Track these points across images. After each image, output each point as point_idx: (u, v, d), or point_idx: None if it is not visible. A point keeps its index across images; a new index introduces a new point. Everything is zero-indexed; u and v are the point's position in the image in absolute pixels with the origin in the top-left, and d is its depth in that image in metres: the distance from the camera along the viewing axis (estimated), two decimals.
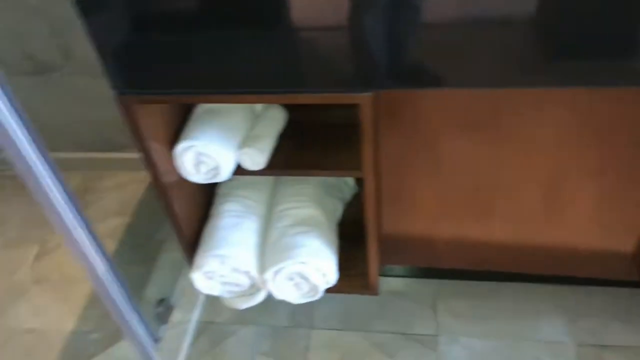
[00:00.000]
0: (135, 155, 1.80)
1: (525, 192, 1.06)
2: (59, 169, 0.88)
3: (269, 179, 1.28)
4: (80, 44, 1.56)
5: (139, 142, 0.92)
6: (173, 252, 1.56)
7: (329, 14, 0.76)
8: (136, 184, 1.81)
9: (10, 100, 0.80)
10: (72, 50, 1.58)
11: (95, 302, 1.47)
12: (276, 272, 1.08)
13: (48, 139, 0.87)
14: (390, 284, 1.40)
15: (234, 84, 0.86)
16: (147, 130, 0.92)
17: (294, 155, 1.09)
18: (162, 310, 1.38)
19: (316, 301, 1.37)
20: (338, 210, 1.27)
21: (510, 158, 1.00)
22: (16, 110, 0.80)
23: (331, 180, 1.28)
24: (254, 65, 0.84)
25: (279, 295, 1.12)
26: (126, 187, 1.81)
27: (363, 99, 0.82)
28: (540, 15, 0.74)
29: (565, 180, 1.02)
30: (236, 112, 1.09)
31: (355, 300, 1.38)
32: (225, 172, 1.03)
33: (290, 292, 1.12)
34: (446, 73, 0.82)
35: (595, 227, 1.09)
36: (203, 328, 1.38)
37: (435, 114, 0.95)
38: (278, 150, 1.09)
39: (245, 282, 1.12)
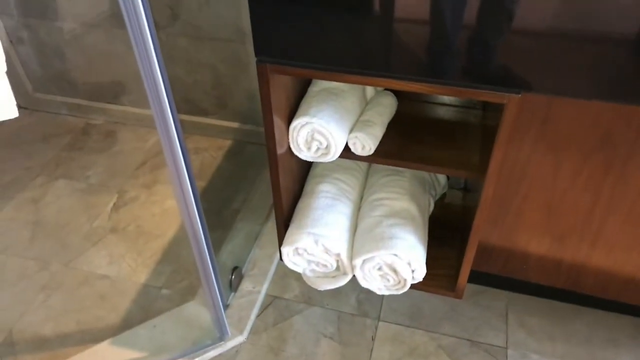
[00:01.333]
0: (217, 121, 1.86)
1: (636, 221, 1.02)
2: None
3: (363, 166, 1.27)
4: (187, 6, 1.59)
5: (267, 111, 0.93)
6: (248, 222, 1.58)
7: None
8: (214, 150, 1.84)
9: (157, 52, 0.82)
10: (179, 11, 1.60)
11: (168, 259, 1.51)
12: (366, 260, 1.08)
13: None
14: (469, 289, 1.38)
15: (371, 65, 0.85)
16: (275, 100, 0.92)
17: (401, 145, 1.08)
18: (234, 278, 1.40)
19: (385, 295, 1.38)
20: (430, 206, 1.26)
21: (630, 183, 0.97)
22: (162, 68, 0.82)
23: (425, 176, 1.27)
24: (394, 48, 0.83)
25: (365, 283, 1.12)
26: (205, 152, 1.84)
27: (511, 99, 0.80)
28: None
29: None
30: (351, 95, 1.09)
31: (425, 299, 1.37)
32: (335, 153, 1.03)
33: (377, 282, 1.11)
34: (584, 83, 0.79)
35: None
36: (270, 301, 1.39)
37: (565, 127, 0.92)
38: (385, 138, 1.09)
39: (332, 264, 1.13)
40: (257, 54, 0.89)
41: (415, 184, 1.22)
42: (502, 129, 0.83)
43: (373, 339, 1.30)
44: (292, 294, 1.41)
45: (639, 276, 1.10)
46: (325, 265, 1.14)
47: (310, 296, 1.39)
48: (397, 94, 1.17)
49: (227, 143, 1.88)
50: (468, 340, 1.29)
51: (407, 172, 1.23)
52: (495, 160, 0.88)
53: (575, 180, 0.98)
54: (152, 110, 0.87)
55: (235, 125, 1.85)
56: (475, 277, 1.39)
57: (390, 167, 1.23)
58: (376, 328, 1.33)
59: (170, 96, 0.88)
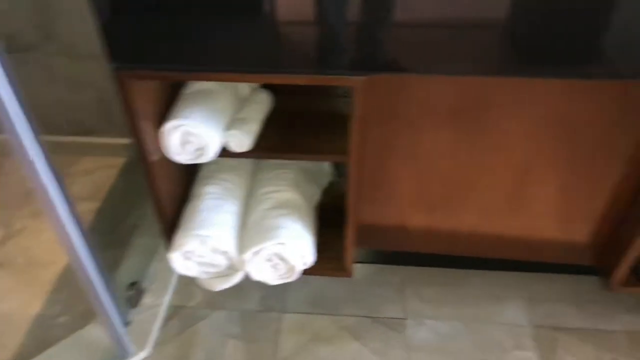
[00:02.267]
0: (106, 140, 1.81)
1: (496, 183, 1.13)
2: None
3: (248, 164, 1.30)
4: (61, 25, 1.54)
5: (131, 118, 0.93)
6: (146, 236, 1.55)
7: None
8: (107, 169, 1.79)
9: (9, 77, 0.79)
10: (53, 30, 1.55)
11: (62, 286, 1.45)
12: (255, 253, 1.11)
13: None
14: (361, 269, 1.45)
15: (226, 62, 0.88)
16: (138, 107, 0.93)
17: (279, 139, 1.12)
18: (133, 293, 1.38)
19: (288, 286, 1.41)
20: (316, 195, 1.31)
21: (485, 150, 1.07)
22: (14, 89, 0.80)
23: (310, 166, 1.31)
24: (248, 44, 0.87)
25: (257, 276, 1.15)
26: (97, 172, 1.78)
27: (357, 82, 0.86)
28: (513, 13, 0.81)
29: (532, 172, 1.10)
30: (224, 95, 1.11)
31: (326, 285, 1.42)
32: (210, 153, 1.05)
33: (268, 273, 1.14)
34: (431, 60, 0.87)
35: (555, 217, 1.18)
36: (174, 312, 1.38)
37: (418, 104, 1.00)
38: (263, 134, 1.12)
39: (223, 262, 1.14)
40: (111, 61, 0.89)
41: (300, 175, 1.26)
42: (355, 111, 0.89)
43: (277, 332, 1.33)
44: (196, 302, 1.40)
45: (509, 234, 1.21)
46: (215, 265, 1.15)
47: (213, 301, 1.40)
48: (276, 90, 1.21)
49: (120, 160, 1.83)
50: (369, 317, 1.35)
51: (293, 165, 1.27)
52: (354, 143, 0.93)
53: (434, 150, 1.07)
54: (7, 135, 0.83)
55: (125, 141, 1.81)
56: (371, 256, 1.46)
57: (277, 161, 1.27)
58: (281, 320, 1.35)
59: (30, 119, 0.85)
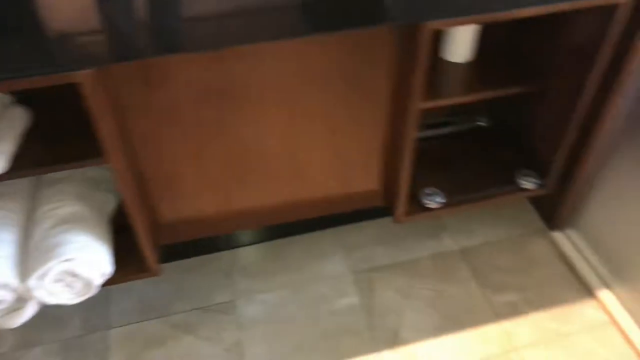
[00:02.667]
0: None
1: (272, 149, 1.16)
2: None
3: (25, 186, 1.20)
4: None
5: None
6: None
7: None
8: None
9: None
10: None
11: None
12: (42, 276, 1.03)
13: None
14: (183, 265, 1.43)
15: None
16: None
17: (42, 153, 1.04)
18: None
19: (111, 299, 1.36)
20: (110, 202, 1.25)
21: (251, 119, 1.09)
22: None
23: (95, 173, 1.25)
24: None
25: (52, 300, 1.07)
26: None
27: (83, 76, 0.82)
28: None
29: (302, 131, 1.15)
30: None
31: (151, 289, 1.38)
32: None
33: (63, 294, 1.07)
34: (177, 39, 0.86)
35: (337, 173, 1.25)
36: None
37: (176, 88, 0.99)
38: (24, 151, 1.03)
39: (8, 297, 1.05)
40: None
41: (83, 185, 1.19)
42: (91, 108, 0.85)
43: (106, 350, 1.27)
44: (8, 346, 1.28)
45: (301, 197, 1.27)
46: (1, 302, 1.05)
47: (28, 339, 1.29)
48: (31, 104, 1.11)
49: None
50: (199, 309, 1.35)
51: (77, 175, 1.20)
52: (107, 141, 0.90)
53: (207, 134, 1.07)
54: None
55: None
56: (192, 249, 1.44)
57: (59, 174, 1.19)
58: (107, 338, 1.29)
59: None
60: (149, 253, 1.12)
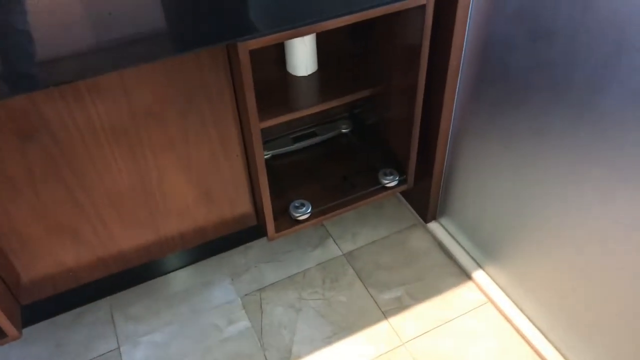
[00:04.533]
0: None
1: (123, 190, 1.12)
2: None
3: None
4: None
5: None
6: None
7: None
8: None
9: None
10: None
11: None
12: None
13: None
14: (57, 321, 1.34)
15: None
16: None
17: None
18: None
19: None
20: None
21: (88, 162, 1.05)
22: None
23: None
24: None
25: None
26: None
27: None
28: None
29: (153, 167, 1.12)
30: None
31: (25, 354, 1.28)
32: None
33: None
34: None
35: (203, 197, 1.23)
36: None
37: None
38: None
39: None
40: None
41: None
42: None
43: None
44: None
45: (173, 229, 1.24)
46: None
47: None
48: None
49: None
50: (83, 359, 1.27)
51: None
52: None
53: (26, 180, 1.00)
54: None
55: None
56: (63, 302, 1.36)
57: None
58: None
59: None
60: (2, 318, 1.04)
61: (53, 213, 1.07)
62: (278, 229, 1.25)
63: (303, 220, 1.28)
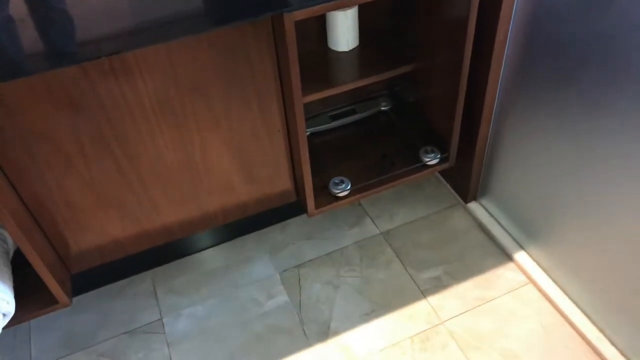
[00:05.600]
0: None
1: (170, 163, 1.14)
2: None
3: None
4: None
5: None
6: None
7: None
8: None
9: None
10: None
11: None
12: None
13: None
14: (103, 292, 1.39)
15: None
16: None
17: None
18: None
19: (32, 339, 1.31)
20: (7, 238, 1.20)
21: (138, 136, 1.07)
22: None
23: None
24: None
25: None
26: None
27: None
28: None
29: (198, 140, 1.14)
30: None
31: (73, 322, 1.33)
32: None
33: None
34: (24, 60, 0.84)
35: (245, 171, 1.25)
36: None
37: (34, 107, 0.95)
38: None
39: None
40: None
41: None
42: None
43: None
44: None
45: (210, 203, 1.26)
46: None
47: None
48: None
49: None
50: (126, 333, 1.31)
51: None
52: None
53: (81, 152, 1.04)
54: None
55: None
56: (108, 274, 1.40)
57: None
58: None
59: None
60: (53, 285, 1.08)
61: (101, 186, 1.10)
62: (318, 205, 1.26)
63: (342, 196, 1.28)
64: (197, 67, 1.03)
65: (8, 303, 1.04)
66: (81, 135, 1.02)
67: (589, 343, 1.19)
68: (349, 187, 1.28)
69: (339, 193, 1.27)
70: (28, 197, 1.05)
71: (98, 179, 1.09)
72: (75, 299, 1.37)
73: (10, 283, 1.08)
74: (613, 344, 1.16)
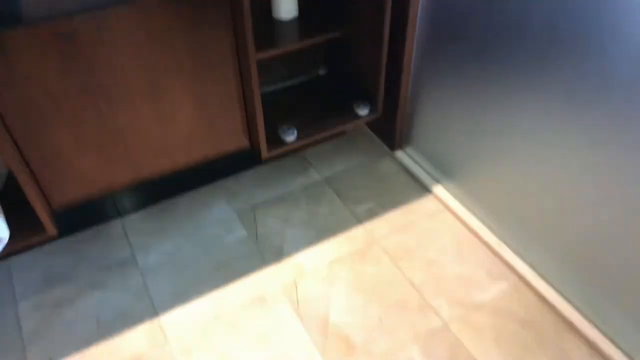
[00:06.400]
0: None
1: (139, 108, 1.35)
2: None
3: None
4: None
5: None
6: None
7: None
8: None
9: None
10: None
11: None
12: None
13: None
14: (77, 237, 1.55)
15: None
16: None
17: None
18: None
19: (13, 276, 1.44)
20: None
21: (110, 83, 1.27)
22: None
23: None
24: None
25: None
26: None
27: None
28: None
29: (159, 85, 1.34)
30: None
31: (51, 261, 1.48)
32: None
33: None
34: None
35: (201, 116, 1.46)
36: None
37: (27, 57, 1.14)
38: None
39: None
40: None
41: None
42: None
43: (18, 321, 1.36)
44: None
45: (169, 144, 1.46)
46: None
47: None
48: None
49: None
50: (102, 268, 1.47)
51: None
52: None
53: (68, 101, 1.22)
54: None
55: None
56: (82, 220, 1.56)
57: None
58: (17, 314, 1.38)
59: None
60: (42, 212, 1.24)
61: (84, 130, 1.28)
62: (270, 149, 1.49)
63: (291, 142, 1.53)
64: (166, 19, 1.24)
65: (1, 229, 1.20)
66: (68, 83, 1.20)
67: (490, 248, 1.50)
68: (295, 133, 1.52)
69: (287, 138, 1.52)
70: (19, 136, 1.21)
71: (80, 122, 1.27)
72: (50, 244, 1.52)
73: (1, 210, 1.24)
74: (509, 246, 1.47)
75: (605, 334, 1.25)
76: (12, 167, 1.14)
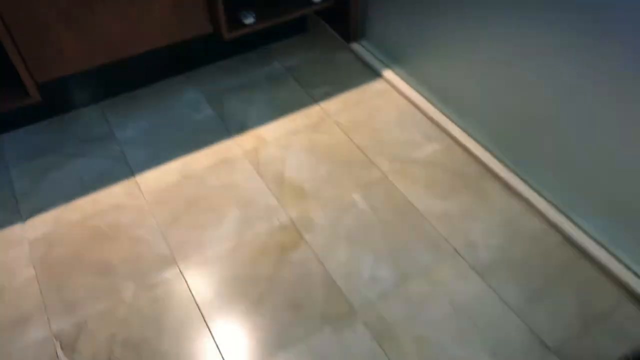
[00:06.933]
0: None
1: None
2: None
3: None
4: None
5: None
6: None
7: None
8: None
9: None
10: None
11: None
12: None
13: None
14: (60, 119, 1.73)
15: None
16: None
17: None
18: None
19: (4, 149, 1.62)
20: None
21: None
22: None
23: None
24: None
25: None
26: None
27: None
28: None
29: None
30: None
31: (38, 137, 1.66)
32: None
33: None
34: None
35: (172, 6, 1.61)
36: None
37: None
38: None
39: None
40: None
41: None
42: None
43: (10, 183, 1.55)
44: None
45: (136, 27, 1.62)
46: None
47: None
48: None
49: None
50: (84, 142, 1.66)
51: None
52: None
53: None
54: None
55: None
56: (62, 105, 1.73)
57: None
58: (10, 178, 1.56)
59: None
60: (25, 75, 1.41)
61: (64, 4, 1.42)
62: (230, 31, 1.65)
63: (250, 23, 1.68)
64: None
65: None
66: None
67: (428, 117, 1.68)
68: (254, 16, 1.68)
69: (246, 21, 1.68)
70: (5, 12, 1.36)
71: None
72: (37, 125, 1.70)
73: None
74: (446, 115, 1.66)
75: (519, 175, 1.46)
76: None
